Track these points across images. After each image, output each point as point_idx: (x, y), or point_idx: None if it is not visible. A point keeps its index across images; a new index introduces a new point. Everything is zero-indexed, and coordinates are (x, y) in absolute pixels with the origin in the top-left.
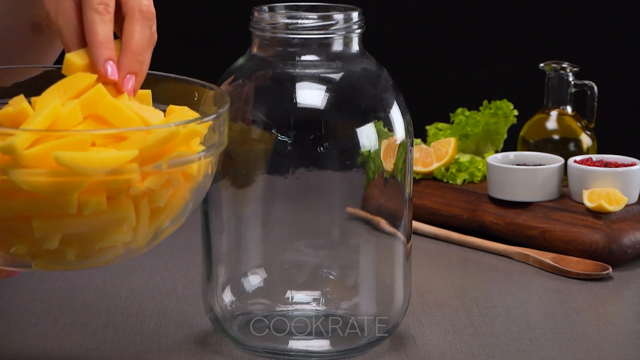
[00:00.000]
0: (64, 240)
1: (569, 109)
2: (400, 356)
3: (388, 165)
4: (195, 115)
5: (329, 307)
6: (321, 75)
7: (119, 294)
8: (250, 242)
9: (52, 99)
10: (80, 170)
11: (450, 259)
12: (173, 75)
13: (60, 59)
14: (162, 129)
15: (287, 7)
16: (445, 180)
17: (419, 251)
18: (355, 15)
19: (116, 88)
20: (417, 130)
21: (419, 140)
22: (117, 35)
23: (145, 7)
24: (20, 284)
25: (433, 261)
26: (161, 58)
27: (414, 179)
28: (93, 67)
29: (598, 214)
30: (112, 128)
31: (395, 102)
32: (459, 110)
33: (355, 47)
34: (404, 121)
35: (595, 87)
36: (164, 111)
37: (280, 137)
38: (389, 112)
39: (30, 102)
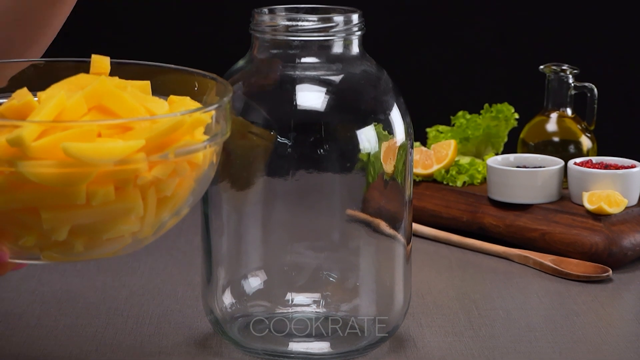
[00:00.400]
0: (72, 231)
1: (569, 111)
2: (400, 358)
3: (388, 167)
4: (197, 104)
5: (329, 309)
6: (321, 77)
7: (119, 296)
8: (251, 244)
9: (58, 92)
10: (88, 160)
11: (450, 261)
12: (173, 65)
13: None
14: (168, 119)
15: (287, 10)
16: (445, 182)
17: (419, 253)
18: (355, 18)
19: None
20: (417, 132)
21: (417, 143)
22: None
23: None
24: (20, 286)
25: (433, 263)
26: (161, 60)
27: (414, 181)
28: None
29: (598, 216)
30: (118, 118)
31: (395, 105)
32: (460, 113)
33: (355, 49)
34: (404, 123)
35: (595, 89)
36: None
37: (281, 139)
38: (389, 115)
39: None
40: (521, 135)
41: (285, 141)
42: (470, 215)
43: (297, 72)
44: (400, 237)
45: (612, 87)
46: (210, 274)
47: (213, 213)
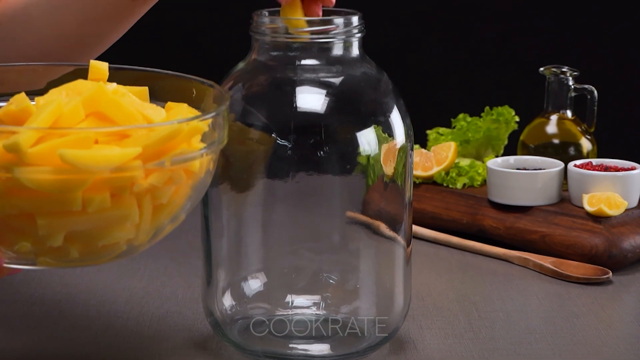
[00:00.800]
0: (68, 237)
1: (569, 113)
2: None
3: (388, 169)
4: (194, 112)
5: (329, 311)
6: (321, 79)
7: (119, 298)
8: (250, 246)
9: (56, 98)
10: (85, 167)
11: (450, 263)
12: (171, 72)
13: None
14: (165, 127)
15: None
16: (445, 184)
17: (419, 255)
18: (355, 20)
19: None
20: (417, 134)
21: (417, 146)
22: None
23: None
24: (20, 288)
25: (433, 265)
26: (161, 62)
27: (414, 183)
28: None
29: (598, 218)
30: (115, 126)
31: (395, 107)
32: (461, 115)
33: (355, 51)
34: (404, 125)
35: (595, 92)
36: (163, 108)
37: (281, 142)
38: (389, 117)
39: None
40: (521, 138)
41: (285, 143)
42: (470, 217)
43: (297, 74)
44: (400, 239)
45: (612, 89)
46: (210, 276)
47: (213, 215)
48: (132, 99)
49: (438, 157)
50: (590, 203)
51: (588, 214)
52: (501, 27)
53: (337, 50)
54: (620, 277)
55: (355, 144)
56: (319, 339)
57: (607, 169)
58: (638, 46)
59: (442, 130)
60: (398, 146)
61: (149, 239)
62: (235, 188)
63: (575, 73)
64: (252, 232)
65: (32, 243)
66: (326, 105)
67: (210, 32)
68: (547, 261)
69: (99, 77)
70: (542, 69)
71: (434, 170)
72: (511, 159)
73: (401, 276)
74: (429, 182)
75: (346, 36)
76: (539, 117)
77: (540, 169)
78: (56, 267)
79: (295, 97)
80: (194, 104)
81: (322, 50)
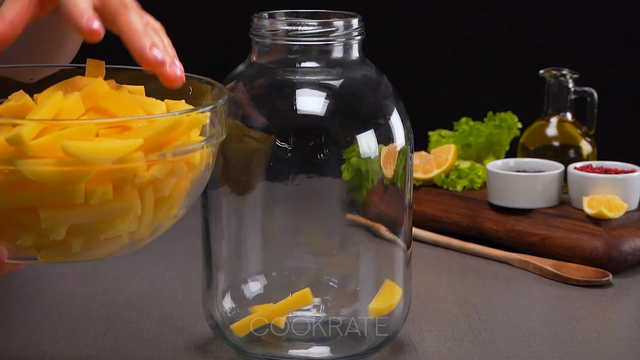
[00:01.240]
0: (70, 231)
1: (569, 116)
2: None
3: (388, 172)
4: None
5: (329, 314)
6: (321, 82)
7: (119, 301)
8: (250, 248)
9: (55, 93)
10: (87, 159)
11: (450, 266)
12: None
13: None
14: (166, 118)
15: (287, 14)
16: (445, 187)
17: (419, 258)
18: (355, 22)
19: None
20: (416, 137)
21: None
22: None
23: (128, 1)
24: (20, 290)
25: (433, 268)
26: None
27: (414, 185)
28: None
29: (598, 220)
30: (117, 117)
31: (395, 109)
32: (463, 119)
33: (355, 53)
34: (404, 128)
35: (595, 94)
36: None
37: (281, 144)
38: (389, 119)
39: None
40: (521, 140)
41: (285, 146)
42: (470, 219)
43: (297, 77)
44: (400, 241)
45: (612, 92)
46: (210, 279)
47: (213, 218)
48: (131, 94)
49: (438, 159)
50: (590, 205)
51: (588, 216)
52: (501, 29)
53: (337, 53)
54: (620, 280)
55: (355, 146)
56: (319, 341)
57: (607, 171)
58: (638, 48)
59: (444, 132)
60: (398, 149)
61: (150, 233)
62: (235, 190)
63: (575, 75)
64: (252, 234)
65: (34, 237)
66: (326, 107)
67: (210, 35)
68: (547, 264)
69: (96, 75)
70: (542, 71)
71: (434, 172)
72: (511, 161)
73: (401, 279)
74: (429, 185)
75: (346, 39)
76: (539, 120)
77: (540, 172)
78: (58, 262)
79: (295, 99)
80: (191, 101)
81: (322, 53)
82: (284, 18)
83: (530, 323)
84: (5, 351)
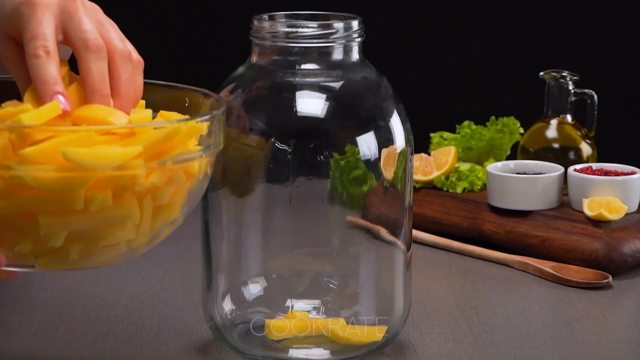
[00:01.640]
0: (69, 238)
1: (569, 118)
2: None
3: (388, 173)
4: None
5: (329, 316)
6: (321, 83)
7: (119, 303)
8: (250, 250)
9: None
10: (88, 165)
11: (450, 268)
12: (163, 82)
13: None
14: (165, 126)
15: (287, 16)
16: (445, 188)
17: (419, 260)
18: (355, 24)
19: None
20: (416, 139)
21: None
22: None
23: (90, 40)
24: (20, 293)
25: (433, 270)
26: (160, 67)
27: (414, 187)
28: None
29: (598, 222)
30: (114, 126)
31: (395, 111)
32: (466, 123)
33: (355, 55)
34: (404, 130)
35: (595, 96)
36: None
37: (281, 146)
38: (389, 121)
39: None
40: (521, 142)
41: (285, 148)
42: (470, 221)
43: (297, 79)
44: (400, 243)
45: (612, 94)
46: (210, 281)
47: (213, 220)
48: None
49: (438, 161)
50: (590, 207)
51: (588, 218)
52: (501, 31)
53: (337, 55)
54: (620, 282)
55: (355, 148)
56: (318, 343)
57: (607, 173)
58: (638, 50)
59: (445, 134)
60: (398, 151)
61: (148, 241)
62: (235, 192)
63: (575, 77)
64: (252, 236)
65: (32, 243)
66: (326, 109)
67: (210, 37)
68: (547, 265)
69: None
70: (542, 73)
71: (434, 174)
72: (511, 163)
73: (401, 281)
74: (429, 187)
75: (346, 40)
76: (539, 122)
77: (540, 174)
78: (55, 270)
79: (295, 101)
80: (187, 113)
81: (322, 55)
82: (284, 20)
83: (530, 325)
84: (6, 353)
